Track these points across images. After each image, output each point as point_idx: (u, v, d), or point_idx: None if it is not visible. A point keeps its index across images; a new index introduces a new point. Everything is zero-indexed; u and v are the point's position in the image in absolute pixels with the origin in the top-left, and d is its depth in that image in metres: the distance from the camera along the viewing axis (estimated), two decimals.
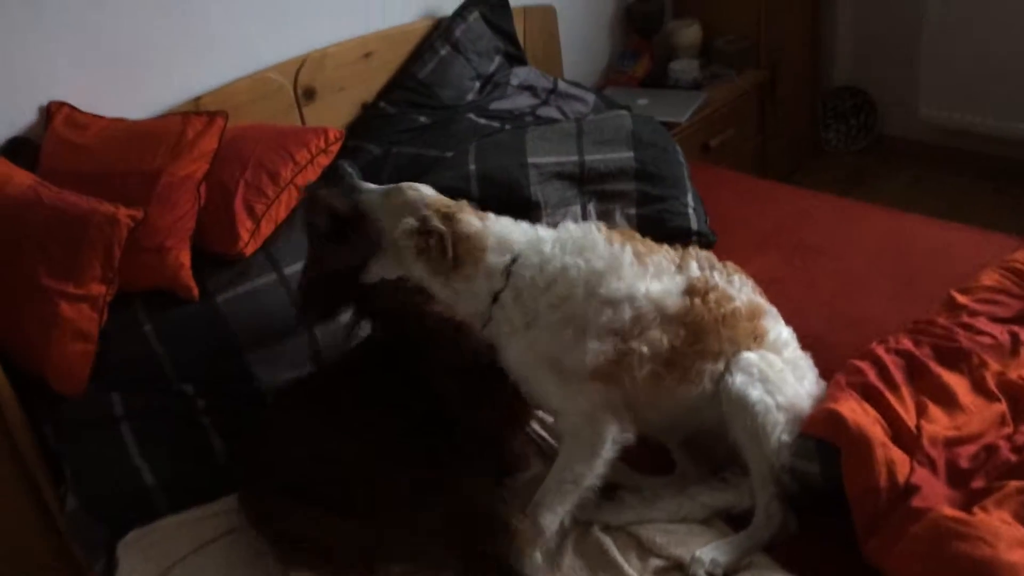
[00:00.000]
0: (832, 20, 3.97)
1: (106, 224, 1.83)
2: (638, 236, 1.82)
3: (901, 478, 1.56)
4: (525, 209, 2.37)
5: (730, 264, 1.86)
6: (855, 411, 1.67)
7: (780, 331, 1.83)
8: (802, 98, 3.93)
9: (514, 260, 1.68)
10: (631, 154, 2.52)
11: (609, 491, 1.74)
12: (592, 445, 1.67)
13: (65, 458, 1.82)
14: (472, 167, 2.41)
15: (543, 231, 1.75)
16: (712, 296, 1.73)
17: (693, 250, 1.84)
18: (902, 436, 1.67)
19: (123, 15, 2.22)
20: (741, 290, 1.81)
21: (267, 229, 2.08)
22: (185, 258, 1.97)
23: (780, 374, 1.71)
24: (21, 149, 2.09)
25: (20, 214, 1.84)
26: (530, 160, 2.43)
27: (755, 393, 1.67)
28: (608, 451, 1.67)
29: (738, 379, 1.68)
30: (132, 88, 2.26)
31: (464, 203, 1.76)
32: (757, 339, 1.76)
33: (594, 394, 1.66)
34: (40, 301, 1.80)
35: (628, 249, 1.72)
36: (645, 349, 1.66)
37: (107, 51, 2.22)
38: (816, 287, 2.33)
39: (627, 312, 1.66)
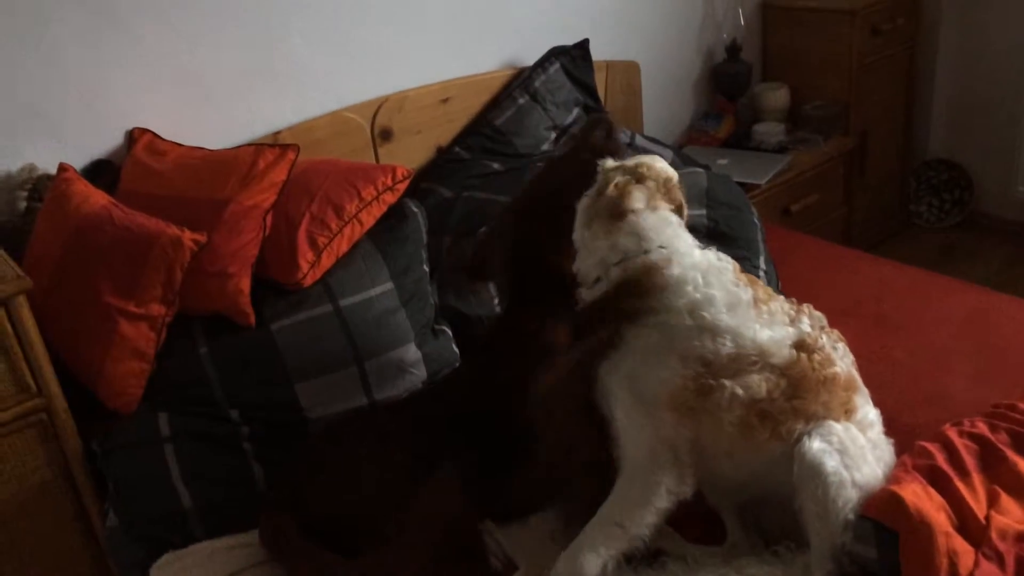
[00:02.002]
0: (929, 90, 3.86)
1: (170, 246, 1.86)
2: (759, 282, 1.77)
3: (964, 571, 1.44)
4: None
5: (836, 332, 1.79)
6: (918, 495, 1.55)
7: (868, 411, 1.74)
8: (893, 169, 3.81)
9: (659, 247, 1.67)
10: (703, 212, 2.47)
11: (652, 558, 1.66)
12: (645, 489, 1.58)
13: (109, 475, 1.84)
14: None
15: (692, 242, 1.75)
16: (817, 356, 1.66)
17: (807, 307, 1.78)
18: (969, 526, 1.55)
19: (211, 49, 2.30)
20: (843, 358, 1.74)
21: (328, 261, 2.10)
22: (245, 285, 2.00)
23: (861, 450, 1.61)
24: (103, 171, 2.17)
25: (92, 232, 1.90)
26: None
27: (831, 463, 1.56)
28: (661, 500, 1.58)
29: (816, 444, 1.58)
30: (214, 119, 2.34)
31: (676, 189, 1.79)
32: (848, 412, 1.67)
33: (664, 427, 1.58)
34: (101, 317, 1.85)
35: (749, 291, 1.67)
36: (740, 392, 1.58)
37: (193, 82, 2.30)
38: (894, 363, 2.22)
39: (726, 346, 1.59)
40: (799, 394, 1.62)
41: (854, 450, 1.60)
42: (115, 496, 1.83)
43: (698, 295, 1.62)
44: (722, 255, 1.73)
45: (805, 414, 1.62)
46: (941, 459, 1.67)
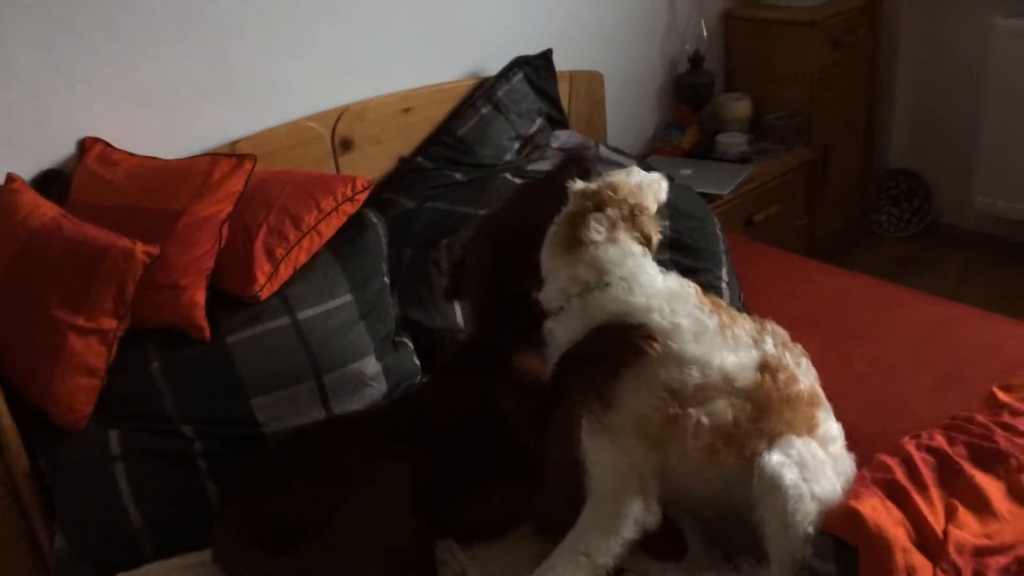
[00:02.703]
0: (889, 101, 3.90)
1: (122, 258, 1.82)
2: (722, 304, 1.77)
3: None
4: None
5: (799, 347, 1.79)
6: (877, 510, 1.56)
7: (830, 425, 1.74)
8: (854, 179, 3.85)
9: (620, 278, 1.64)
10: (666, 223, 2.44)
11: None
12: (612, 518, 1.57)
13: (56, 493, 1.78)
14: None
15: (655, 270, 1.71)
16: (782, 376, 1.66)
17: (770, 325, 1.78)
18: (927, 541, 1.55)
19: (165, 57, 2.25)
20: (806, 374, 1.74)
21: (285, 273, 2.06)
22: (200, 297, 1.96)
23: (820, 464, 1.61)
24: (53, 181, 2.12)
25: (40, 244, 1.85)
26: None
27: (790, 476, 1.56)
28: (628, 530, 1.57)
29: (775, 458, 1.58)
30: (169, 128, 2.29)
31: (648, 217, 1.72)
32: (811, 428, 1.67)
33: (631, 453, 1.58)
34: (49, 331, 1.80)
35: (715, 318, 1.66)
36: (705, 420, 1.58)
37: (146, 91, 2.25)
38: (853, 374, 2.23)
39: (694, 377, 1.59)
40: (763, 415, 1.62)
41: (813, 463, 1.60)
42: (63, 516, 1.78)
43: (664, 323, 1.61)
44: (684, 281, 1.72)
45: (769, 434, 1.63)
46: (900, 473, 1.67)
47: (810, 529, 1.55)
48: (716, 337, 1.65)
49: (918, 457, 1.71)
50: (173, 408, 1.88)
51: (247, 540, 1.62)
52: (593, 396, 1.59)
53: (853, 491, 1.64)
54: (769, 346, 1.71)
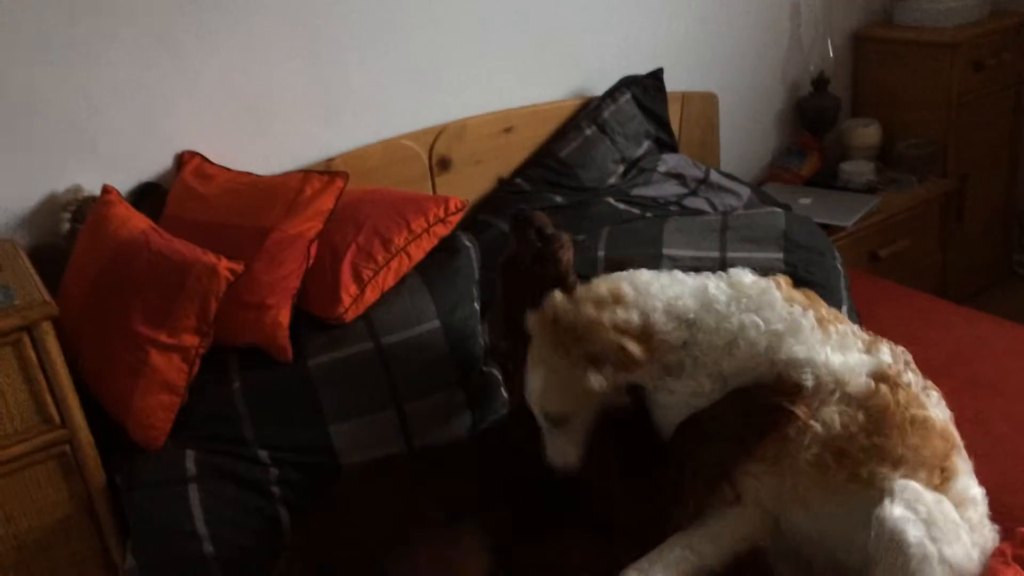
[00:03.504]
0: None
1: (205, 275, 1.78)
2: (822, 301, 1.65)
3: None
4: None
5: (928, 381, 1.62)
6: None
7: (971, 485, 1.55)
8: (995, 214, 3.53)
9: (691, 328, 1.55)
10: (780, 255, 2.28)
11: None
12: (728, 526, 1.51)
13: (129, 513, 1.74)
14: (601, 253, 2.24)
15: (712, 284, 1.61)
16: (902, 393, 1.51)
17: (887, 340, 1.63)
18: None
19: (263, 72, 2.24)
20: (938, 407, 1.57)
21: (372, 296, 1.98)
22: (284, 318, 1.90)
23: (954, 526, 1.43)
24: (150, 194, 2.12)
25: (127, 257, 1.83)
26: (665, 251, 2.24)
27: (915, 534, 1.38)
28: (738, 541, 1.51)
29: (897, 511, 1.40)
30: (266, 144, 2.27)
31: (621, 290, 1.60)
32: (944, 472, 1.50)
33: (750, 479, 1.50)
34: (131, 347, 1.77)
35: (810, 313, 1.55)
36: (817, 427, 1.45)
37: (245, 106, 2.24)
38: (992, 433, 1.98)
39: (809, 377, 1.47)
40: (881, 430, 1.47)
41: (944, 523, 1.41)
42: (135, 536, 1.74)
43: (763, 336, 1.52)
44: (755, 276, 1.63)
45: (890, 457, 1.46)
46: None
47: None
48: (816, 332, 1.53)
49: None
50: (251, 431, 1.83)
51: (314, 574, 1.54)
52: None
53: (991, 568, 1.44)
54: (885, 355, 1.56)
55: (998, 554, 1.48)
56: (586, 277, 2.14)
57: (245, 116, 2.24)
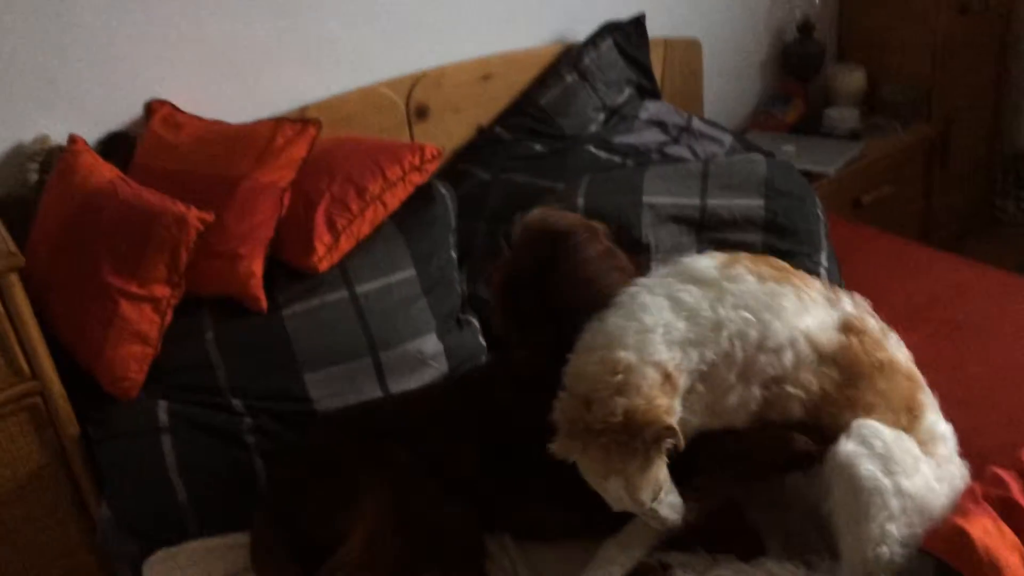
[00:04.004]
0: (1021, 76, 3.54)
1: (174, 224, 1.75)
2: (785, 265, 1.62)
3: None
4: (634, 252, 2.15)
5: (886, 323, 1.62)
6: (988, 532, 1.36)
7: (937, 422, 1.56)
8: (979, 160, 3.51)
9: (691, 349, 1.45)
10: (761, 202, 2.26)
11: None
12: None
13: (103, 464, 1.74)
14: (580, 201, 2.22)
15: (687, 294, 1.49)
16: (867, 339, 1.51)
17: (843, 289, 1.63)
18: None
19: (235, 17, 2.18)
20: (897, 349, 1.58)
21: (346, 245, 1.96)
22: (257, 267, 1.88)
23: (915, 460, 1.44)
24: (119, 144, 2.08)
25: (94, 207, 1.80)
26: (646, 200, 2.21)
27: (867, 467, 1.40)
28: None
29: (850, 447, 1.42)
30: (238, 91, 2.22)
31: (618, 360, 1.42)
32: (911, 412, 1.51)
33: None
34: (101, 298, 1.75)
35: (787, 288, 1.53)
36: (800, 392, 1.46)
37: (217, 52, 2.18)
38: (965, 375, 1.98)
39: (788, 357, 1.47)
40: (853, 382, 1.48)
41: (902, 457, 1.42)
42: (109, 486, 1.74)
43: (753, 328, 1.46)
44: (718, 260, 1.56)
45: (862, 404, 1.47)
46: (1016, 489, 1.47)
47: (890, 526, 1.38)
48: (792, 302, 1.50)
49: None
50: (225, 380, 1.82)
51: (283, 540, 1.55)
52: None
53: (961, 507, 1.44)
54: (848, 306, 1.55)
55: (968, 492, 1.49)
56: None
57: (217, 63, 2.20)
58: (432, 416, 1.69)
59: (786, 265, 1.63)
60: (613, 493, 1.39)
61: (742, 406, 1.48)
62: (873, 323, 1.58)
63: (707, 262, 1.58)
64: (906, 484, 1.39)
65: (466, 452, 1.61)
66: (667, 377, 1.39)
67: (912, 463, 1.42)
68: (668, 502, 1.42)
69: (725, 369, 1.45)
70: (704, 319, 1.46)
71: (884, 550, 1.37)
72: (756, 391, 1.47)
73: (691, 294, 1.50)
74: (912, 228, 3.26)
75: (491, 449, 1.60)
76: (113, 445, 1.73)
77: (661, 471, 1.39)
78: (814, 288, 1.58)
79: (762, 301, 1.50)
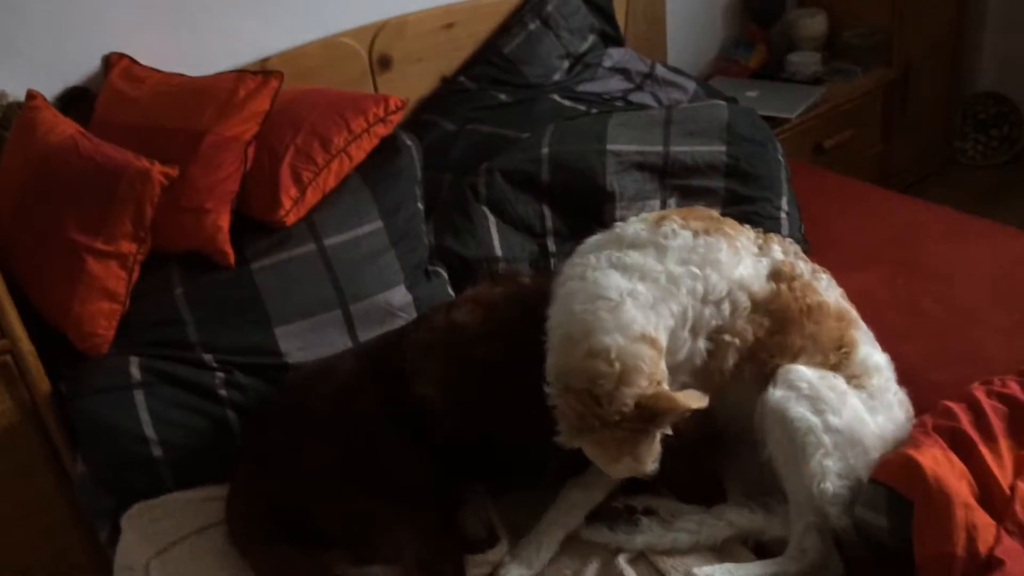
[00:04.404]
0: (979, 19, 3.58)
1: (138, 180, 1.75)
2: (714, 215, 1.67)
3: (983, 547, 1.31)
4: (598, 199, 2.19)
5: (816, 264, 1.67)
6: (938, 461, 1.42)
7: (872, 353, 1.62)
8: (938, 103, 3.55)
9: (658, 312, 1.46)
10: (723, 148, 2.29)
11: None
12: None
13: (76, 420, 1.75)
14: (545, 150, 2.23)
15: (630, 258, 1.51)
16: (797, 284, 1.57)
17: (774, 235, 1.69)
18: (992, 498, 1.41)
19: None
20: (828, 290, 1.63)
21: (313, 198, 1.96)
22: (224, 221, 1.88)
23: (841, 396, 1.50)
24: (78, 99, 2.05)
25: (56, 164, 1.79)
26: (609, 147, 2.23)
27: (797, 409, 1.47)
28: None
29: (779, 392, 1.49)
30: (197, 44, 2.20)
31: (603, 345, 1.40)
32: (843, 349, 1.57)
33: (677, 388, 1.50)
34: (67, 254, 1.74)
35: (720, 240, 1.56)
36: (736, 340, 1.52)
37: (174, 4, 2.15)
38: (920, 313, 2.05)
39: (726, 307, 1.52)
40: (783, 328, 1.54)
41: (828, 395, 1.49)
42: (83, 442, 1.75)
43: (698, 284, 1.51)
44: (662, 224, 1.59)
45: (791, 350, 1.54)
46: (966, 421, 1.53)
47: (827, 462, 1.45)
48: (727, 254, 1.55)
49: (988, 405, 1.56)
50: (195, 335, 1.83)
51: (260, 516, 1.57)
52: None
53: (912, 438, 1.51)
54: (777, 253, 1.61)
55: (919, 424, 1.55)
56: (528, 174, 2.15)
57: (175, 14, 2.17)
58: (391, 371, 1.69)
59: (714, 213, 1.68)
60: (619, 469, 1.41)
61: (688, 360, 1.52)
62: (803, 267, 1.62)
63: (636, 226, 1.61)
64: (834, 420, 1.46)
65: (433, 405, 1.63)
66: (653, 343, 1.41)
67: (838, 399, 1.49)
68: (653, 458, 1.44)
69: (680, 325, 1.49)
70: (658, 274, 1.49)
71: (828, 485, 1.43)
72: (701, 344, 1.52)
73: (633, 257, 1.51)
74: (873, 171, 3.30)
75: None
76: (86, 401, 1.74)
77: (658, 443, 1.41)
78: (744, 236, 1.62)
79: (700, 254, 1.53)
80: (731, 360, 1.54)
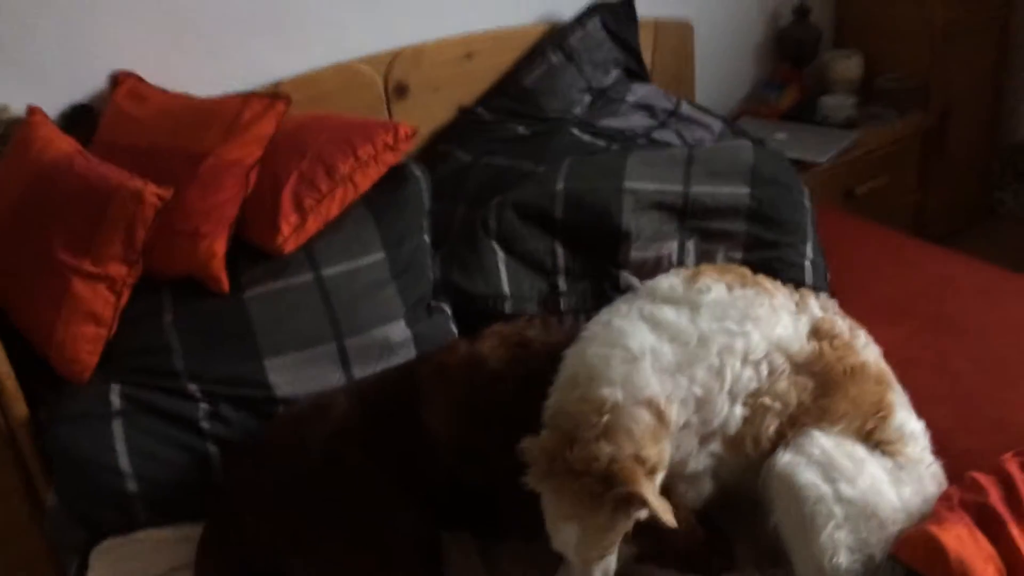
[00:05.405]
0: (1021, 64, 3.45)
1: (130, 200, 1.69)
2: (748, 272, 1.58)
3: None
4: (613, 239, 2.10)
5: (855, 322, 1.58)
6: (962, 541, 1.30)
7: (908, 420, 1.51)
8: (977, 151, 3.43)
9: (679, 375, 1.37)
10: (747, 190, 2.19)
11: None
12: None
13: (50, 449, 1.68)
14: (560, 185, 2.15)
15: (663, 313, 1.43)
16: (838, 342, 1.48)
17: (807, 290, 1.60)
18: None
19: None
20: (866, 348, 1.54)
21: (313, 226, 1.89)
22: (220, 247, 1.82)
23: (858, 464, 1.40)
24: (82, 116, 2.01)
25: (49, 181, 1.74)
26: (627, 185, 2.14)
27: (806, 476, 1.37)
28: None
29: (788, 456, 1.39)
30: (208, 64, 2.15)
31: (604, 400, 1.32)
32: (880, 413, 1.47)
33: (712, 459, 1.45)
34: (52, 275, 1.69)
35: (760, 295, 1.49)
36: (777, 404, 1.42)
37: (186, 23, 2.12)
38: (950, 373, 1.92)
39: (765, 368, 1.42)
40: (827, 392, 1.44)
41: (843, 463, 1.39)
42: (57, 471, 1.68)
43: (737, 343, 1.42)
44: (689, 279, 1.52)
45: (834, 415, 1.43)
46: (995, 496, 1.41)
47: (839, 534, 1.34)
48: (765, 312, 1.46)
49: (1020, 479, 1.43)
50: (181, 364, 1.76)
51: (231, 565, 1.52)
52: None
53: (935, 513, 1.39)
54: (816, 310, 1.52)
55: (944, 498, 1.43)
56: (541, 210, 2.07)
57: (187, 35, 2.13)
58: (386, 411, 1.61)
59: (748, 271, 1.59)
60: (563, 537, 1.30)
61: (722, 428, 1.42)
62: (842, 324, 1.54)
63: (671, 280, 1.53)
64: (847, 490, 1.36)
65: (422, 451, 1.54)
66: (659, 416, 1.31)
67: (854, 467, 1.39)
68: (603, 566, 1.33)
69: (716, 389, 1.39)
70: (688, 336, 1.39)
71: (840, 560, 1.33)
72: (738, 410, 1.42)
73: (666, 313, 1.43)
74: (907, 220, 3.19)
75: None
76: (61, 429, 1.67)
77: (617, 537, 1.30)
78: (781, 293, 1.54)
79: (739, 309, 1.45)
80: (771, 427, 1.43)
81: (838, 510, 1.35)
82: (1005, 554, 1.32)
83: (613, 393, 1.30)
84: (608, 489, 1.24)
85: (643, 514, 1.28)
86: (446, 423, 1.51)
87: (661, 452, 1.30)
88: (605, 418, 1.27)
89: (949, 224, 3.39)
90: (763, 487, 1.43)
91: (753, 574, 1.47)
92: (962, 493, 1.42)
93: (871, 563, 1.36)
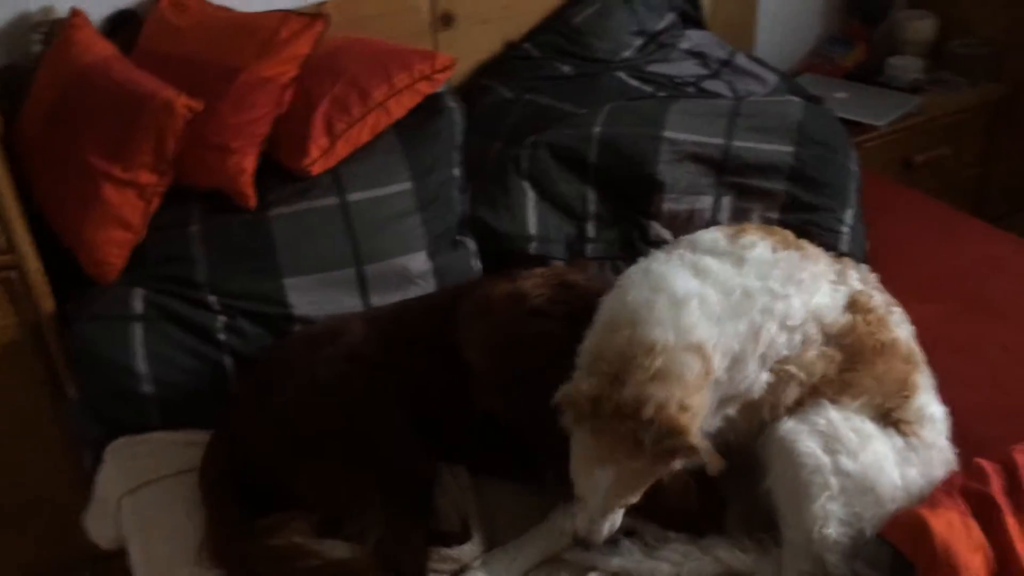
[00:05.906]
0: None
1: (161, 110, 1.70)
2: (791, 236, 1.53)
3: None
4: (646, 188, 2.06)
5: (888, 295, 1.54)
6: (952, 527, 1.28)
7: (930, 403, 1.48)
8: None
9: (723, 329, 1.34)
10: (790, 149, 2.12)
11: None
12: None
13: (73, 344, 1.74)
14: (597, 129, 2.11)
15: (706, 263, 1.39)
16: (872, 317, 1.44)
17: (849, 260, 1.56)
18: (1010, 573, 1.26)
19: None
20: (900, 326, 1.50)
21: (343, 150, 1.89)
22: (249, 163, 1.83)
23: (864, 439, 1.37)
24: (125, 21, 2.02)
25: (86, 85, 1.76)
26: (666, 133, 2.09)
27: (807, 444, 1.35)
28: None
29: (790, 423, 1.37)
30: None
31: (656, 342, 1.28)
32: (903, 393, 1.44)
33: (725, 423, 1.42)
34: (84, 178, 1.72)
35: (803, 260, 1.45)
36: (802, 374, 1.40)
37: None
38: (980, 357, 1.87)
39: (798, 337, 1.39)
40: (853, 366, 1.41)
41: (847, 435, 1.36)
42: (77, 367, 1.74)
43: (776, 304, 1.38)
44: (731, 234, 1.47)
45: (857, 389, 1.41)
46: (997, 485, 1.38)
47: (831, 506, 1.33)
48: (806, 278, 1.42)
49: None
50: (203, 275, 1.79)
51: (235, 467, 1.55)
52: None
53: (931, 497, 1.37)
54: (855, 282, 1.48)
55: (946, 483, 1.40)
56: (575, 153, 2.03)
57: None
58: (402, 340, 1.63)
59: (791, 235, 1.54)
60: (593, 481, 1.27)
61: (746, 392, 1.39)
62: (879, 299, 1.50)
63: (713, 234, 1.49)
64: (847, 463, 1.34)
65: (434, 382, 1.56)
66: (706, 362, 1.27)
67: (859, 442, 1.36)
68: (613, 519, 1.33)
69: (750, 352, 1.35)
70: (733, 286, 1.35)
71: (830, 531, 1.32)
72: (764, 375, 1.39)
73: (708, 262, 1.39)
74: (965, 196, 3.05)
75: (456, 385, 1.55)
76: (83, 327, 1.72)
77: (648, 483, 1.28)
78: (823, 261, 1.50)
79: (783, 271, 1.41)
80: (792, 395, 1.40)
81: (834, 481, 1.33)
82: (996, 544, 1.29)
83: (664, 334, 1.26)
84: (656, 437, 1.21)
85: (680, 464, 1.26)
86: (486, 355, 1.50)
87: (702, 401, 1.28)
88: (658, 360, 1.23)
89: (1010, 203, 3.25)
90: (762, 449, 1.41)
91: (741, 537, 1.45)
92: (965, 480, 1.39)
93: (860, 538, 1.35)
